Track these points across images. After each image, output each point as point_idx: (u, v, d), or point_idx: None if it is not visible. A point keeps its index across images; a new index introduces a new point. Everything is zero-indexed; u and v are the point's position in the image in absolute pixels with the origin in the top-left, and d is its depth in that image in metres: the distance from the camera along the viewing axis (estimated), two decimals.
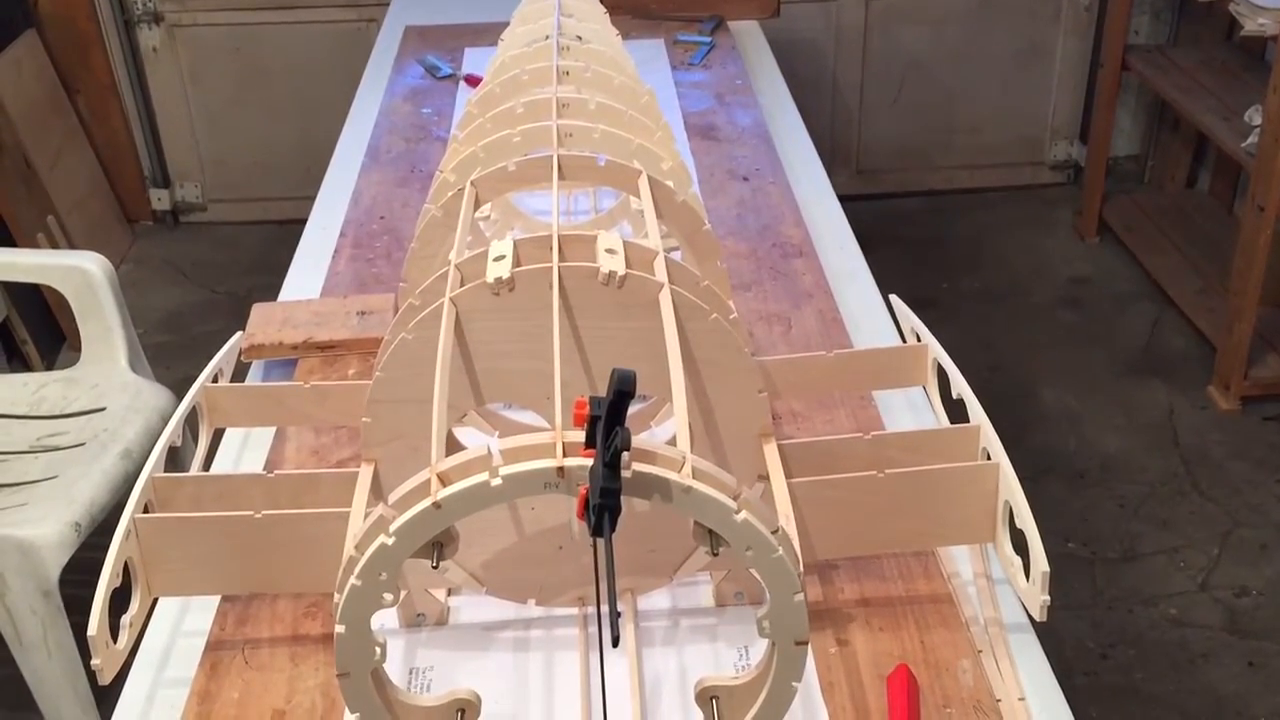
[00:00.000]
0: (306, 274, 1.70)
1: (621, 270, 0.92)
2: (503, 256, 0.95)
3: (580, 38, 1.60)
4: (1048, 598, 0.94)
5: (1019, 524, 0.98)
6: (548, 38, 1.55)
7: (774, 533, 0.77)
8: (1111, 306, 3.19)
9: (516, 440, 0.75)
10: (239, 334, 1.38)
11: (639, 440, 0.71)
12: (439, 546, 0.78)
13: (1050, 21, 3.66)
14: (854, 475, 1.01)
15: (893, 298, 1.39)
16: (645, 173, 1.13)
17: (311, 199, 1.94)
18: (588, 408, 0.72)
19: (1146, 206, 3.53)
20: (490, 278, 0.92)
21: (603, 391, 0.98)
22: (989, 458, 1.06)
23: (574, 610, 1.08)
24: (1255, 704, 2.02)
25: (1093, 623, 2.20)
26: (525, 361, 0.95)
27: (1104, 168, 3.44)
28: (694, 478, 0.74)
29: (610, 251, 0.96)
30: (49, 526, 1.72)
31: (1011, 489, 1.00)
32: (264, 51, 3.61)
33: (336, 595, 0.78)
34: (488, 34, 2.54)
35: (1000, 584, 1.11)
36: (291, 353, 1.46)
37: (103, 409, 2.00)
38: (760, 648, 1.03)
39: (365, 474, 0.99)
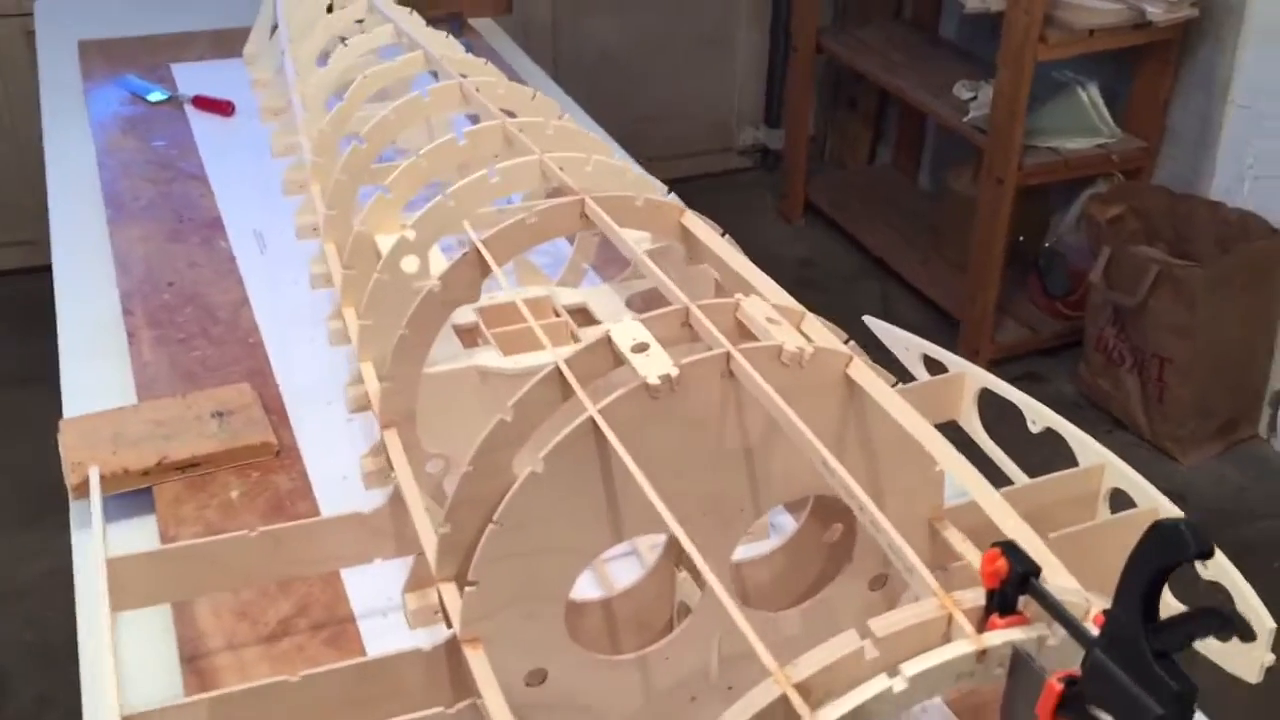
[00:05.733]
0: (95, 370, 1.31)
1: (810, 346, 0.71)
2: (645, 345, 0.71)
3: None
4: (1273, 656, 0.84)
5: (1207, 576, 0.87)
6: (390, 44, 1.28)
7: None
8: (841, 286, 3.23)
9: (888, 620, 0.54)
10: (94, 469, 1.02)
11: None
12: None
13: (730, 7, 3.66)
14: None
15: (870, 319, 1.24)
16: (687, 210, 0.92)
17: None
18: (1004, 560, 0.52)
19: (841, 185, 3.62)
20: (651, 377, 0.68)
21: (770, 500, 0.78)
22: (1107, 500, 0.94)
23: None
24: None
25: None
26: (684, 480, 0.72)
27: (805, 150, 3.49)
28: None
29: (772, 321, 0.74)
30: None
31: None
32: None
33: None
34: (192, 47, 2.15)
35: None
36: (143, 480, 1.11)
37: None
38: None
39: (478, 661, 0.72)
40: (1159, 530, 0.45)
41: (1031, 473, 1.03)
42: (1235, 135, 2.58)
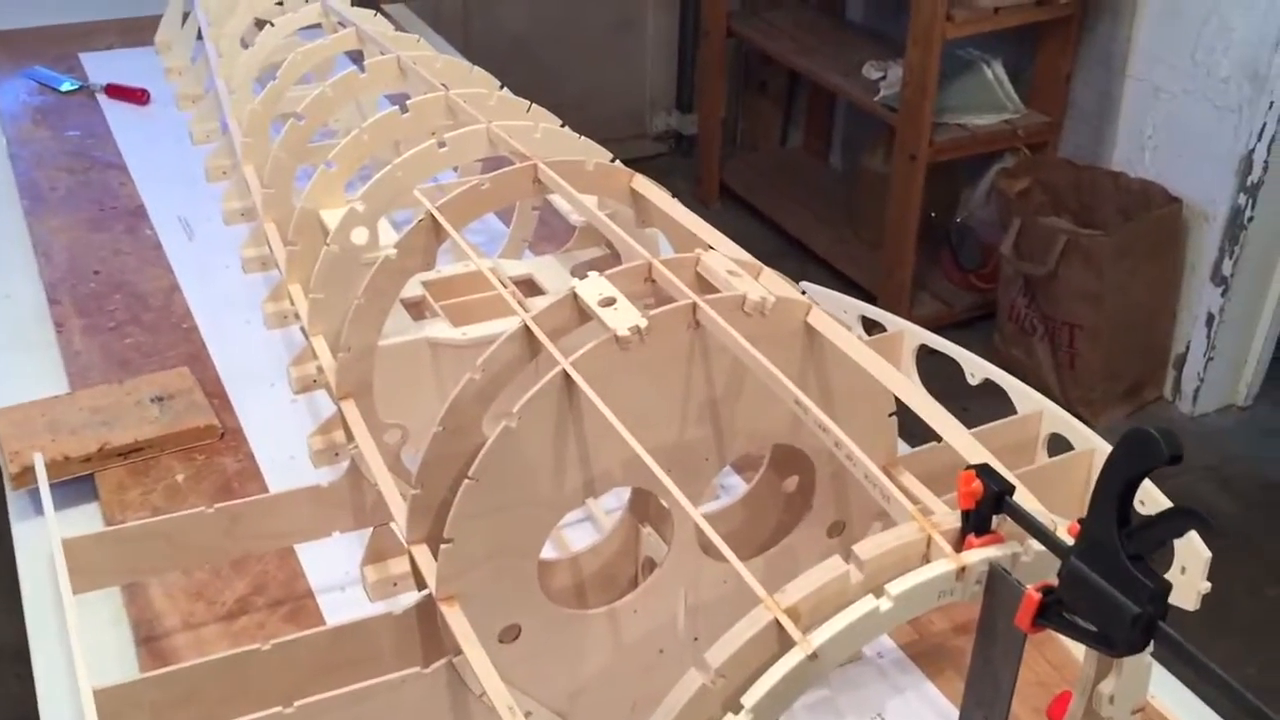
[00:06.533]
0: (22, 361, 1.29)
1: (772, 296, 0.73)
2: (612, 299, 0.72)
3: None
4: (1208, 585, 0.88)
5: (1144, 510, 0.91)
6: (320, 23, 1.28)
7: None
8: None
9: (871, 544, 0.56)
10: (37, 455, 1.00)
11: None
12: None
13: None
14: None
15: (807, 285, 1.27)
16: (636, 174, 0.93)
17: None
18: (979, 482, 0.55)
19: (755, 167, 3.66)
20: (620, 328, 0.69)
21: (733, 450, 0.79)
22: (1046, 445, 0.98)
23: None
24: None
25: None
26: (652, 431, 0.73)
27: (719, 134, 3.52)
28: None
29: (732, 274, 0.76)
30: None
31: None
32: None
33: None
34: (100, 36, 2.10)
35: None
36: (84, 467, 1.09)
37: None
38: (895, 712, 0.89)
39: (456, 618, 0.72)
40: (1132, 437, 0.48)
41: (969, 426, 1.07)
42: (1134, 107, 2.67)
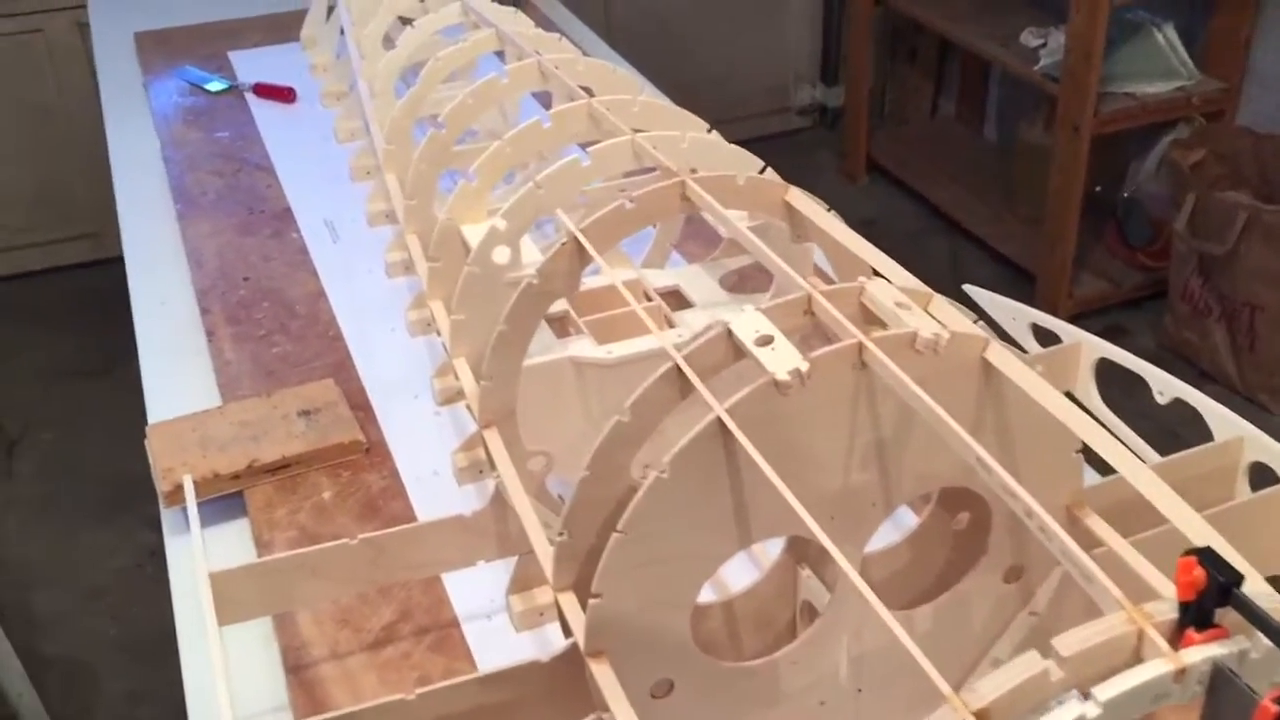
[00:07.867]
0: (176, 370, 1.29)
1: (946, 332, 0.66)
2: (769, 338, 0.66)
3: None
4: None
5: None
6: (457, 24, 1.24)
7: None
8: (908, 245, 3.15)
9: (1073, 638, 0.49)
10: (188, 478, 1.00)
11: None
12: None
13: None
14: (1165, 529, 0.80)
15: (971, 289, 1.19)
16: (791, 187, 0.87)
17: None
18: (1201, 570, 0.48)
19: (904, 140, 3.54)
20: (780, 372, 0.64)
21: (902, 495, 0.74)
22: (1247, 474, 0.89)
23: None
24: None
25: None
26: (813, 478, 0.68)
27: (867, 106, 3.41)
28: None
29: (900, 305, 0.70)
30: None
31: None
32: None
33: None
34: (248, 34, 2.12)
35: None
36: (233, 484, 1.08)
37: None
38: None
39: (605, 675, 0.68)
40: None
41: (1162, 437, 0.98)
42: None
